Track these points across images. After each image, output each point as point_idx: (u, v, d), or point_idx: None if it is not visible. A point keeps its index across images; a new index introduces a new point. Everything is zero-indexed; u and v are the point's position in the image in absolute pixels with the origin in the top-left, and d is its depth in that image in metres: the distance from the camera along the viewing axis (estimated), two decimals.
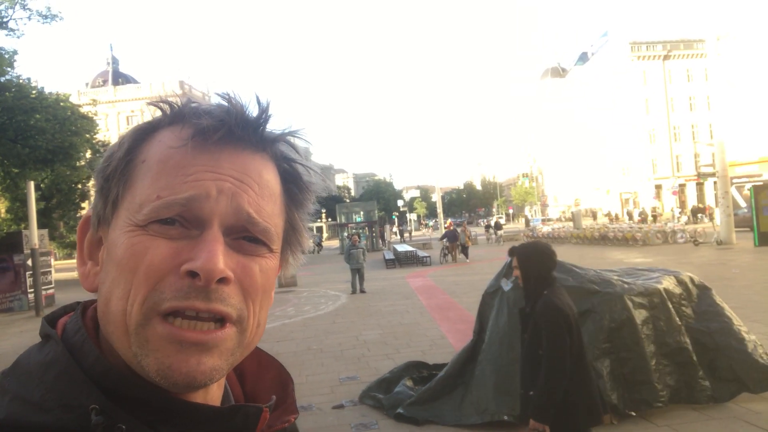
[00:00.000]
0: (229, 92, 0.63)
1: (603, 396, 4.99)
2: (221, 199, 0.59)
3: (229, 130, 0.61)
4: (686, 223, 36.86)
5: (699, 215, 44.11)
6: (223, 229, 0.59)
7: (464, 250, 26.33)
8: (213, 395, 0.66)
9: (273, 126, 0.66)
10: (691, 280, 6.02)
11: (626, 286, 5.56)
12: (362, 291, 16.49)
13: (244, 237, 0.61)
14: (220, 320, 0.58)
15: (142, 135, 0.64)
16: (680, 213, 45.65)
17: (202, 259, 0.56)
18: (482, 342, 5.81)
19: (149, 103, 0.65)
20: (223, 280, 0.57)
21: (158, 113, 0.65)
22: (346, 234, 42.32)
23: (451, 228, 28.48)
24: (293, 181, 0.68)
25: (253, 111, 0.64)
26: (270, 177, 0.65)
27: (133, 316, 0.56)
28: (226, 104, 0.62)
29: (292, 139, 0.68)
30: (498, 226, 40.97)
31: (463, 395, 5.61)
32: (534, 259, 3.34)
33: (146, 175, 0.60)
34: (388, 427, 5.52)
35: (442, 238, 28.63)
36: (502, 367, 5.42)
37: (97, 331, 0.63)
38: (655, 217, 45.62)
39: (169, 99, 0.65)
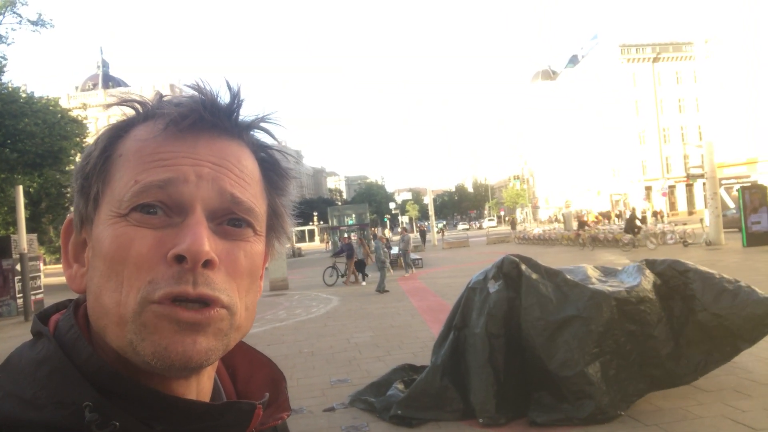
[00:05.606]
0: (199, 81, 0.64)
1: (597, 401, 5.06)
2: (202, 185, 0.60)
3: (200, 117, 0.62)
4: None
5: (646, 221, 40.88)
6: (206, 214, 0.60)
7: (361, 267, 20.37)
8: (204, 387, 0.66)
9: (247, 112, 0.67)
10: (672, 267, 5.89)
11: (610, 288, 5.60)
12: (386, 290, 16.61)
13: (228, 221, 0.62)
14: (208, 305, 0.59)
15: (118, 132, 0.64)
16: (610, 218, 45.11)
17: (187, 242, 0.57)
18: (464, 338, 5.83)
19: (122, 102, 0.65)
20: (208, 264, 0.58)
21: (131, 112, 0.65)
22: (347, 236, 42.24)
23: (348, 241, 21.65)
24: (272, 168, 0.69)
25: (225, 98, 0.64)
26: (248, 163, 0.65)
27: (129, 306, 0.56)
28: (198, 94, 0.63)
29: (266, 125, 0.69)
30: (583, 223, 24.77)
31: (446, 393, 5.63)
32: None
33: (124, 167, 0.61)
34: (379, 429, 5.53)
35: (337, 254, 22.93)
36: (474, 368, 5.52)
37: (89, 329, 0.63)
38: (644, 218, 45.73)
39: (141, 97, 0.66)
